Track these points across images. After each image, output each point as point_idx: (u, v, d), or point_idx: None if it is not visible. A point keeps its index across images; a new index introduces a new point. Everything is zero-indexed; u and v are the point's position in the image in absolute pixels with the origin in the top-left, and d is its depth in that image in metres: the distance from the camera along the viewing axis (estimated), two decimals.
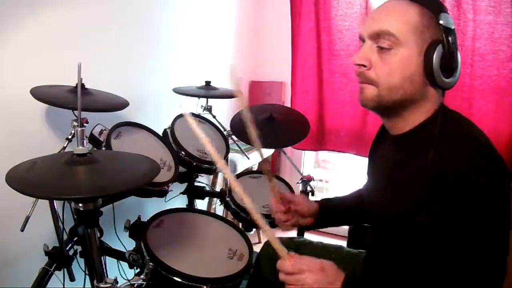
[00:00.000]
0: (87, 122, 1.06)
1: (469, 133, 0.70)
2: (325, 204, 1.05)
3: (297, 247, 1.07)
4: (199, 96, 1.58)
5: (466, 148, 0.66)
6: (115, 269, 1.21)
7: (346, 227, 1.67)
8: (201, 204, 1.67)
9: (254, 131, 0.83)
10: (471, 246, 0.64)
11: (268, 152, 2.35)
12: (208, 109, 1.64)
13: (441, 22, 0.70)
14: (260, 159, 2.21)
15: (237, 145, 1.74)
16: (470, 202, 0.63)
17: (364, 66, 0.74)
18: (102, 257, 0.96)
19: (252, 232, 2.26)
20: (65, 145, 1.08)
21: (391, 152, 0.82)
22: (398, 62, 0.72)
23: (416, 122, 0.75)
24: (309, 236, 1.24)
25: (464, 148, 0.66)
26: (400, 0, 0.74)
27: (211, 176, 2.03)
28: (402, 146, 0.78)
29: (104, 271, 0.99)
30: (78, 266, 1.08)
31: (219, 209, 1.94)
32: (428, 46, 0.70)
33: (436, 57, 0.70)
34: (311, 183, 1.57)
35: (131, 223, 1.14)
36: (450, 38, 0.70)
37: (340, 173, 2.74)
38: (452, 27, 0.71)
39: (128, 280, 1.01)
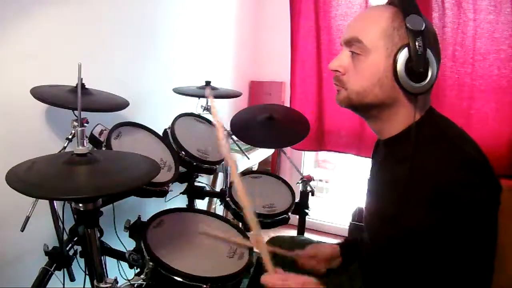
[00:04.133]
0: (87, 122, 1.06)
1: (454, 143, 0.68)
2: (345, 244, 1.04)
3: (298, 246, 1.07)
4: (199, 96, 1.58)
5: (450, 161, 0.64)
6: (115, 269, 1.20)
7: (345, 226, 1.67)
8: (201, 204, 1.67)
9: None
10: (453, 256, 0.63)
11: (268, 152, 2.35)
12: (208, 109, 1.64)
13: (407, 25, 0.68)
14: (260, 159, 2.22)
15: (237, 145, 1.74)
16: (451, 217, 0.62)
17: (339, 71, 0.78)
18: (102, 257, 0.96)
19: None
20: (65, 145, 1.08)
21: (383, 157, 0.82)
22: (366, 68, 0.73)
23: (397, 128, 0.75)
24: (309, 235, 1.24)
25: (447, 161, 0.65)
26: (377, 6, 0.75)
27: (211, 176, 2.03)
28: (389, 152, 0.79)
29: (104, 271, 0.99)
30: (78, 266, 1.08)
31: (219, 209, 1.93)
32: (397, 50, 0.70)
33: (400, 61, 0.69)
34: (311, 183, 1.57)
35: (131, 223, 1.14)
36: (417, 41, 0.68)
37: (340, 173, 2.74)
38: (420, 29, 0.69)
39: (128, 280, 1.01)
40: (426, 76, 0.70)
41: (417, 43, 0.68)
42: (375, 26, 0.72)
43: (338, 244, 1.05)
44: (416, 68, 0.69)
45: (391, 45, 0.70)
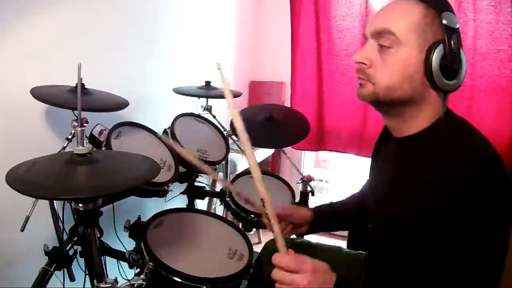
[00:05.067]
0: (87, 122, 1.06)
1: (472, 144, 0.68)
2: (318, 211, 1.06)
3: (296, 247, 1.06)
4: (199, 96, 1.58)
5: (468, 160, 0.65)
6: (115, 269, 1.21)
7: None
8: (201, 204, 1.67)
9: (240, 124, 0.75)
10: (467, 251, 0.63)
11: (268, 152, 2.35)
12: (208, 109, 1.64)
13: (443, 21, 0.68)
14: (260, 159, 2.22)
15: (237, 145, 1.74)
16: (467, 214, 0.62)
17: (364, 64, 0.74)
18: (102, 257, 0.96)
19: (252, 232, 2.26)
20: (65, 145, 1.08)
21: (395, 155, 0.81)
22: (397, 62, 0.71)
23: (418, 126, 0.74)
24: (308, 237, 1.24)
25: (465, 160, 0.65)
26: (406, 0, 0.72)
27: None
28: (405, 150, 0.77)
29: (104, 271, 0.99)
30: (78, 266, 1.08)
31: (219, 209, 1.93)
32: (430, 46, 0.69)
33: (435, 57, 0.68)
34: (311, 183, 1.57)
35: (131, 223, 1.14)
36: (452, 38, 0.68)
37: (340, 173, 2.74)
38: (456, 27, 0.69)
39: (128, 280, 1.01)
40: (457, 74, 0.70)
41: (452, 41, 0.68)
42: (407, 19, 0.70)
43: (313, 211, 1.04)
44: (451, 65, 0.68)
45: (423, 41, 0.69)
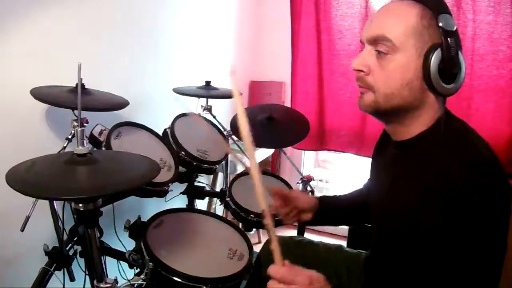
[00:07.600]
0: (87, 122, 1.06)
1: (471, 146, 0.67)
2: (325, 200, 1.04)
3: (298, 246, 1.07)
4: (199, 96, 1.58)
5: (466, 164, 0.64)
6: (115, 269, 1.21)
7: (346, 227, 1.67)
8: (201, 204, 1.67)
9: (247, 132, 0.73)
10: (466, 254, 0.63)
11: (268, 152, 2.35)
12: (208, 109, 1.64)
13: (440, 24, 0.66)
14: (260, 159, 2.22)
15: (237, 145, 1.74)
16: (464, 219, 0.62)
17: (363, 71, 0.73)
18: (102, 257, 0.96)
19: (252, 232, 2.25)
20: (65, 145, 1.08)
21: (394, 158, 0.80)
22: (395, 68, 0.69)
23: (418, 130, 0.73)
24: (309, 235, 1.24)
25: (463, 164, 0.64)
26: (400, 2, 0.71)
27: (211, 176, 2.03)
28: (404, 154, 0.77)
29: (104, 271, 0.99)
30: (78, 266, 1.08)
31: (219, 209, 1.93)
32: (427, 50, 0.67)
33: (434, 61, 0.66)
34: (311, 183, 1.57)
35: (131, 223, 1.14)
36: (450, 41, 0.66)
37: (340, 173, 2.74)
38: (453, 29, 0.67)
39: (128, 280, 1.01)
40: (456, 77, 0.69)
41: (450, 44, 0.66)
42: (403, 23, 0.67)
43: (319, 199, 1.03)
44: (449, 69, 0.67)
45: (421, 44, 0.67)
